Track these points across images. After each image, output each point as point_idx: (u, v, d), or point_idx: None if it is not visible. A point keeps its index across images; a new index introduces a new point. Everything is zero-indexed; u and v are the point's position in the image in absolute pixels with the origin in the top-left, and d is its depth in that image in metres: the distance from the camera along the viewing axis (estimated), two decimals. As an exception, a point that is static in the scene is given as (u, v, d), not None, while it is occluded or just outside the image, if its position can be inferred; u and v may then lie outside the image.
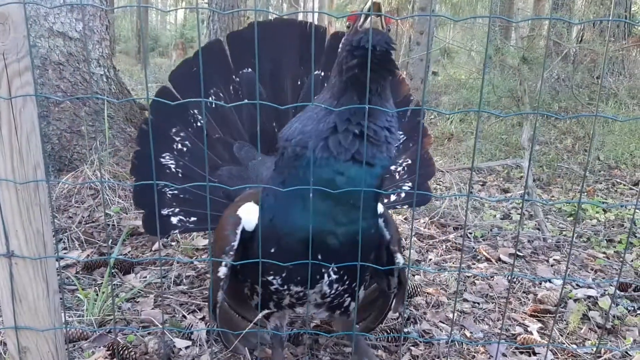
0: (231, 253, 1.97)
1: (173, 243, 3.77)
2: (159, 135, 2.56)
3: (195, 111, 2.56)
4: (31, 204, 1.86)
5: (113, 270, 3.30)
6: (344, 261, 1.84)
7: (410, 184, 2.69)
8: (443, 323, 3.01)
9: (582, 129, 7.51)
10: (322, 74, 2.60)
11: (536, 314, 3.16)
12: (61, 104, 4.44)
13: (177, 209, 2.66)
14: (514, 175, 6.16)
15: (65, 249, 3.60)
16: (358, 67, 1.67)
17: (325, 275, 1.97)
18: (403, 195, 2.71)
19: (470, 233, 4.24)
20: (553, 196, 5.59)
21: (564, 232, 4.47)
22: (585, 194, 5.62)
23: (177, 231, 2.74)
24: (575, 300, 3.31)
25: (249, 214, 1.99)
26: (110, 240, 3.70)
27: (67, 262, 3.38)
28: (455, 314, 3.09)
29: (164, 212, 2.64)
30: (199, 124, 2.57)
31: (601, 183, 6.12)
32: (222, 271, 1.99)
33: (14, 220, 1.86)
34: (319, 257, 1.86)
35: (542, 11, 13.98)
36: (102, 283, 3.16)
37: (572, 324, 3.01)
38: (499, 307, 3.21)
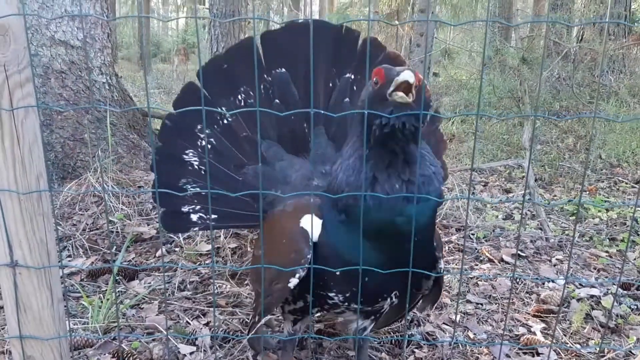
0: (306, 266, 1.97)
1: (177, 249, 3.79)
2: (182, 132, 2.57)
3: (223, 108, 2.55)
4: (34, 214, 1.88)
5: (117, 277, 3.31)
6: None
7: None
8: (446, 325, 3.02)
9: (583, 128, 7.52)
10: (353, 76, 2.63)
11: (539, 314, 3.17)
12: (64, 112, 4.47)
13: (197, 206, 2.66)
14: (516, 175, 6.16)
15: (69, 256, 3.63)
16: (388, 139, 1.76)
17: (388, 299, 2.12)
18: None
19: (473, 234, 4.25)
20: (555, 195, 5.59)
21: (566, 232, 4.47)
22: (587, 192, 5.62)
23: (196, 228, 2.73)
24: (578, 300, 3.31)
25: (311, 227, 1.99)
26: (115, 247, 3.72)
27: (71, 270, 3.40)
28: (459, 316, 3.10)
29: (184, 209, 2.64)
30: (225, 121, 2.57)
31: (603, 181, 6.11)
32: (293, 282, 1.99)
33: (18, 230, 1.88)
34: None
35: (541, 10, 13.99)
36: (106, 290, 3.18)
37: (575, 324, 3.02)
38: (502, 308, 3.22)
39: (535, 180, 5.81)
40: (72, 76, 4.61)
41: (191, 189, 2.60)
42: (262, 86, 2.59)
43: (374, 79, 1.79)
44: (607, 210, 4.99)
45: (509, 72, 6.78)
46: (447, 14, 15.66)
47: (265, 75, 2.60)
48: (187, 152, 2.61)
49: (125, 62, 21.64)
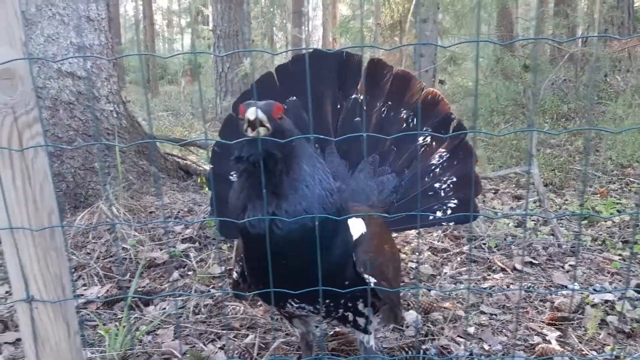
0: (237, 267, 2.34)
1: (189, 272, 3.82)
2: (226, 156, 2.77)
3: None
4: (48, 249, 1.92)
5: (132, 304, 3.35)
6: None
7: (456, 201, 2.76)
8: (461, 337, 3.02)
9: (594, 132, 7.48)
10: (361, 97, 2.76)
11: (554, 322, 3.16)
12: (74, 142, 4.54)
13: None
14: (526, 181, 6.14)
15: (84, 285, 3.67)
16: (247, 173, 1.91)
17: (291, 302, 2.20)
18: (449, 212, 2.77)
19: (484, 243, 4.24)
20: (566, 200, 5.57)
21: (578, 237, 4.45)
22: (599, 195, 5.59)
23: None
24: (592, 306, 3.30)
25: None
26: (129, 274, 3.76)
27: (87, 299, 3.45)
28: (473, 328, 3.10)
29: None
30: None
31: (614, 183, 6.08)
32: (234, 276, 2.35)
33: (32, 266, 1.92)
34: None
35: (546, 10, 13.97)
36: (122, 317, 3.22)
37: (590, 330, 3.01)
38: (516, 318, 3.21)
39: (546, 185, 5.79)
40: (80, 106, 4.69)
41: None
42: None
43: (239, 116, 1.88)
44: (619, 212, 4.97)
45: (511, 80, 6.79)
46: (450, 22, 15.69)
47: (283, 105, 2.74)
48: (232, 173, 2.82)
49: (133, 85, 21.88)
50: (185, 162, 6.11)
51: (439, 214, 2.81)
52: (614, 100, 8.63)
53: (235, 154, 1.87)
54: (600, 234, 4.44)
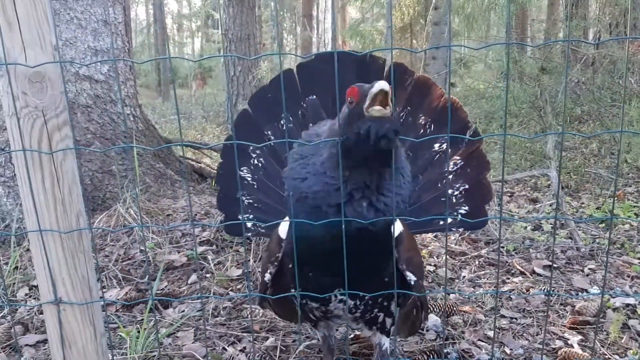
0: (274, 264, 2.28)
1: (208, 275, 3.83)
2: (239, 151, 2.80)
3: (269, 132, 2.81)
4: (76, 252, 1.94)
5: (151, 306, 3.36)
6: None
7: (467, 208, 2.78)
8: (482, 341, 3.00)
9: (607, 134, 7.43)
10: None
11: (575, 325, 3.13)
12: (92, 145, 4.57)
13: (251, 215, 2.88)
14: (542, 184, 6.11)
15: (103, 287, 3.69)
16: (365, 156, 1.81)
17: (333, 296, 2.16)
18: (459, 218, 2.79)
19: (503, 247, 4.22)
20: (582, 203, 5.53)
21: (597, 240, 4.42)
22: (616, 198, 5.55)
23: (250, 234, 2.97)
24: (614, 310, 3.28)
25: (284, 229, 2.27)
26: (147, 276, 3.77)
27: (111, 301, 3.46)
28: (494, 331, 3.08)
29: (240, 217, 2.84)
30: (272, 143, 2.83)
31: (630, 186, 6.04)
32: (267, 277, 2.31)
33: (60, 268, 1.93)
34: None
35: (557, 14, 13.90)
36: (142, 320, 3.22)
37: (612, 334, 2.98)
38: (537, 322, 3.19)
39: (562, 188, 5.76)
40: (98, 110, 4.71)
41: (246, 201, 2.86)
42: (299, 112, 2.79)
43: (349, 98, 1.81)
44: (637, 215, 4.93)
45: (528, 82, 6.75)
46: (461, 25, 15.65)
47: (302, 103, 2.79)
48: (242, 169, 2.85)
49: (144, 89, 22.01)
50: (199, 165, 6.13)
51: (449, 220, 2.83)
52: (628, 102, 8.56)
53: (359, 134, 1.73)
54: (619, 237, 4.41)
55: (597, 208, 5.27)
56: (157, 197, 4.66)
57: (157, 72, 21.52)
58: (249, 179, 2.85)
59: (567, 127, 8.09)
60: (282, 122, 2.80)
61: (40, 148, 1.82)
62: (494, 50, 7.55)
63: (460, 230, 3.23)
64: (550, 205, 5.31)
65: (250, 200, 2.86)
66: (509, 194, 5.88)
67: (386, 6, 16.12)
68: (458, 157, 2.79)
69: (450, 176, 2.80)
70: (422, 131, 2.78)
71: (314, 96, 2.77)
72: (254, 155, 2.86)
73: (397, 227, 2.13)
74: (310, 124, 2.73)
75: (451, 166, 2.80)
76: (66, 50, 4.58)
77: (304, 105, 2.79)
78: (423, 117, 2.78)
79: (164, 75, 20.94)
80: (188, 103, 16.84)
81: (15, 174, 4.28)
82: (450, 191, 2.80)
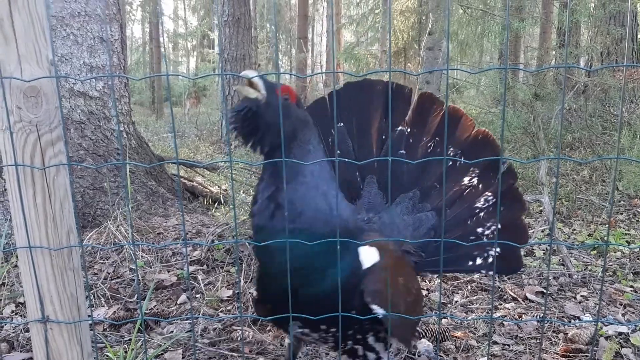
0: None
1: (198, 295, 3.78)
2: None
3: None
4: (65, 269, 1.90)
5: (140, 327, 3.31)
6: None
7: (498, 249, 2.64)
8: (474, 367, 2.97)
9: (598, 161, 7.47)
10: (408, 130, 2.71)
11: (568, 354, 3.11)
12: (84, 161, 4.54)
13: None
14: (534, 210, 6.13)
15: (91, 305, 3.62)
16: (236, 129, 1.92)
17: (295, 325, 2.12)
18: (490, 260, 2.66)
19: (493, 273, 4.20)
20: (574, 229, 5.55)
21: (589, 267, 4.42)
22: (607, 226, 5.57)
23: None
24: (606, 338, 3.25)
25: None
26: (136, 295, 3.72)
27: (100, 320, 3.40)
28: (485, 358, 3.05)
29: None
30: None
31: (622, 214, 6.07)
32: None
33: (49, 286, 1.89)
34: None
35: (548, 42, 14.09)
36: (129, 340, 3.17)
37: (606, 363, 2.96)
38: (529, 349, 3.16)
39: (554, 214, 5.76)
40: (91, 126, 4.69)
41: None
42: (330, 139, 2.77)
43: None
44: (629, 243, 4.93)
45: (521, 108, 6.81)
46: (454, 50, 15.81)
47: (332, 130, 2.78)
48: None
49: (138, 106, 22.01)
50: (192, 183, 6.10)
51: (479, 260, 2.68)
52: (618, 131, 8.64)
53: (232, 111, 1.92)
54: (611, 265, 4.41)
55: (589, 235, 5.28)
56: (148, 215, 4.62)
57: (152, 90, 21.56)
58: None
59: (558, 154, 8.11)
60: None
61: (33, 163, 1.80)
62: (487, 76, 7.63)
63: (491, 273, 3.09)
64: (542, 231, 5.31)
65: None
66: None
67: (381, 30, 16.30)
68: (490, 194, 2.65)
69: (482, 213, 2.66)
70: (450, 163, 2.69)
71: (342, 123, 2.76)
72: None
73: (369, 258, 2.07)
74: (338, 151, 2.76)
75: (482, 202, 2.66)
76: (62, 66, 4.57)
77: (333, 132, 2.78)
78: (452, 149, 2.67)
79: (158, 94, 20.98)
80: (182, 121, 16.83)
81: (4, 189, 4.25)
82: (480, 229, 2.65)
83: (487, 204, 2.64)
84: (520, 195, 2.64)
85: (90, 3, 4.60)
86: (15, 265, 4.02)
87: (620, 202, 6.46)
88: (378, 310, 2.01)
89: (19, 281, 3.84)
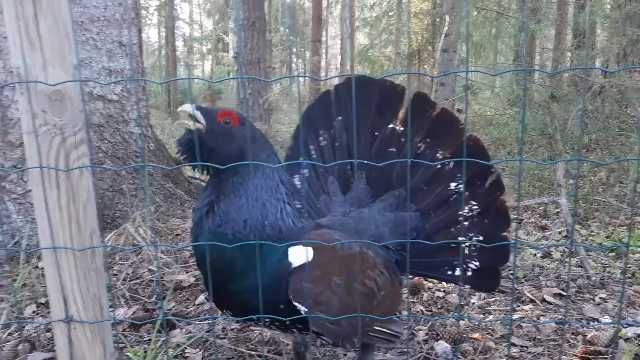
0: None
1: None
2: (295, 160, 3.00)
3: (312, 146, 2.94)
4: (88, 270, 1.94)
5: (160, 327, 3.34)
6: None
7: (477, 264, 2.62)
8: (492, 369, 2.96)
9: (616, 162, 7.41)
10: (402, 128, 2.74)
11: (587, 356, 3.09)
12: (103, 164, 4.60)
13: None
14: (551, 211, 6.09)
15: (111, 306, 3.67)
16: (186, 160, 2.10)
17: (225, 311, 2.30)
18: (469, 273, 2.64)
19: (512, 274, 4.19)
20: (592, 231, 5.50)
21: (607, 269, 4.38)
22: (626, 227, 5.52)
23: None
24: (625, 340, 3.23)
25: None
26: (154, 296, 3.76)
27: (122, 320, 3.44)
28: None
29: None
30: (313, 156, 2.95)
31: (640, 215, 6.00)
32: None
33: (73, 286, 1.93)
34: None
35: (564, 43, 14.02)
36: (149, 340, 3.21)
37: (625, 366, 2.94)
38: (548, 351, 3.15)
39: (571, 216, 5.72)
40: (110, 129, 4.75)
41: (297, 205, 2.90)
42: (331, 131, 2.89)
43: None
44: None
45: (537, 109, 6.77)
46: (469, 52, 15.75)
47: (333, 123, 2.88)
48: (294, 176, 2.97)
49: (154, 110, 22.16)
50: (208, 186, 6.14)
51: (457, 271, 2.66)
52: (635, 132, 8.56)
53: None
54: (630, 267, 4.37)
55: (607, 237, 5.24)
56: (166, 217, 4.67)
57: (167, 93, 21.74)
58: (299, 186, 2.98)
59: (574, 154, 8.08)
60: (320, 138, 2.91)
61: (58, 166, 1.83)
62: (503, 78, 7.60)
63: (466, 286, 3.04)
64: (559, 233, 5.28)
65: (299, 206, 2.96)
66: (517, 221, 5.85)
67: (395, 32, 16.29)
68: (475, 203, 2.62)
69: (466, 222, 2.64)
70: (439, 166, 2.66)
71: (340, 117, 2.85)
72: (303, 165, 3.00)
73: (299, 257, 2.11)
74: (337, 144, 2.88)
75: (466, 211, 2.63)
76: (81, 70, 4.63)
77: (335, 125, 2.88)
78: (441, 152, 2.65)
79: (174, 97, 21.13)
80: (197, 124, 16.87)
81: (26, 191, 4.32)
82: (461, 238, 2.64)
83: (471, 213, 2.63)
84: (505, 210, 2.59)
85: (109, 8, 4.66)
86: (36, 267, 4.09)
87: (638, 203, 6.39)
88: (300, 308, 2.08)
89: (39, 282, 3.90)
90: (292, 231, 2.17)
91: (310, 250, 2.11)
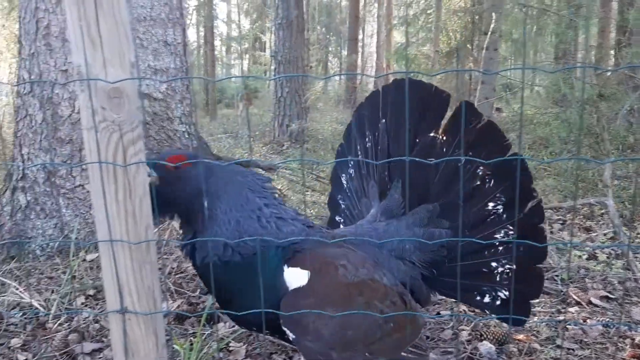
0: None
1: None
2: (342, 161, 3.07)
3: (359, 147, 2.98)
4: (143, 263, 1.99)
5: (204, 321, 3.41)
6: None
7: (507, 293, 2.48)
8: (537, 371, 2.93)
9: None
10: (444, 138, 2.59)
11: (635, 359, 3.02)
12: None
13: (342, 219, 3.07)
14: (596, 213, 5.96)
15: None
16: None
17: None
18: (498, 302, 2.52)
19: (557, 275, 4.12)
20: (638, 233, 5.36)
21: (656, 272, 4.27)
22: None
23: None
24: (676, 345, 3.15)
25: None
26: (198, 290, 3.83)
27: (174, 312, 3.52)
28: (550, 362, 3.00)
29: (337, 218, 3.08)
30: (360, 157, 2.99)
31: (691, 217, 5.81)
32: None
33: (128, 278, 1.98)
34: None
35: (607, 40, 13.66)
36: (193, 333, 3.27)
37: (677, 371, 2.86)
38: (595, 354, 3.09)
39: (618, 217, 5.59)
40: (155, 126, 4.85)
41: (342, 204, 3.07)
42: (376, 133, 2.89)
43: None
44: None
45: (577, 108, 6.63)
46: (509, 50, 15.53)
47: (379, 125, 2.88)
48: (341, 175, 3.06)
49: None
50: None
51: (487, 299, 2.54)
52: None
53: None
54: (680, 270, 4.24)
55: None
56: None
57: (205, 92, 22.01)
58: (345, 185, 3.04)
59: (619, 155, 7.88)
60: (367, 139, 2.92)
61: (116, 161, 1.89)
62: (547, 76, 7.46)
63: (492, 316, 2.89)
64: (605, 234, 5.16)
65: (344, 206, 3.04)
66: (560, 222, 5.74)
67: (434, 30, 16.13)
68: (512, 228, 2.46)
69: (500, 247, 2.49)
70: (478, 183, 2.51)
71: (384, 120, 2.83)
72: (350, 165, 3.03)
73: (296, 280, 2.09)
74: (379, 147, 2.87)
75: (502, 235, 2.49)
76: (154, 79, 4.76)
77: (379, 127, 2.86)
78: (482, 169, 2.50)
79: (212, 95, 21.39)
80: (234, 123, 17.12)
81: (75, 187, 4.44)
82: (494, 264, 2.50)
83: (506, 238, 2.47)
84: (545, 240, 2.43)
85: (155, 8, 4.76)
86: (84, 260, 4.21)
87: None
88: (288, 333, 2.08)
89: (88, 274, 4.01)
90: (277, 236, 2.14)
91: (304, 273, 2.09)
